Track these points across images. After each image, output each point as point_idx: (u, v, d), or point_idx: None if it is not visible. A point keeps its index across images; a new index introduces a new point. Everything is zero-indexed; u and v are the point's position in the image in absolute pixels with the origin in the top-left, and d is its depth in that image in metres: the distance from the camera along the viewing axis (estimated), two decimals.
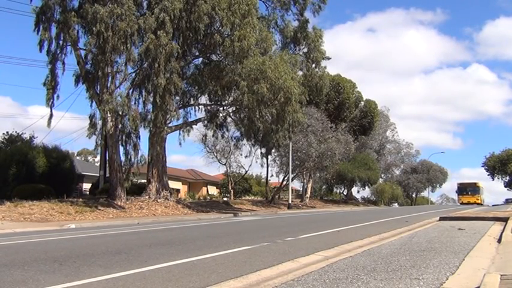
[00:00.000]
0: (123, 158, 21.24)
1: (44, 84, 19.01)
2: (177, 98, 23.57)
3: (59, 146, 26.15)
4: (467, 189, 56.49)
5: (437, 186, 72.30)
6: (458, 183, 61.19)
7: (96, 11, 17.28)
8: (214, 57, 23.56)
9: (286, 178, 36.04)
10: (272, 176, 39.75)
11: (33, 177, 21.39)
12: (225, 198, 37.77)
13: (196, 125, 26.95)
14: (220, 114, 26.30)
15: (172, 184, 34.84)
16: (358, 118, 46.70)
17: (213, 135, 28.56)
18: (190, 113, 25.88)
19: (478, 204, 52.01)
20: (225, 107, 26.02)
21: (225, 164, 41.53)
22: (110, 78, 19.55)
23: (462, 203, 54.59)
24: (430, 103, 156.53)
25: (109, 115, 19.26)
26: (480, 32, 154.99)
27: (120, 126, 20.41)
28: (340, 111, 42.73)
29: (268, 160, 37.63)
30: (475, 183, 58.12)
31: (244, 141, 28.47)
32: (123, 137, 21.20)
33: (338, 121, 41.08)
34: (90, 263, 5.99)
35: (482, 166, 67.53)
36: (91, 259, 6.31)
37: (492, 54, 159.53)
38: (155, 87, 18.33)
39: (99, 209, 18.04)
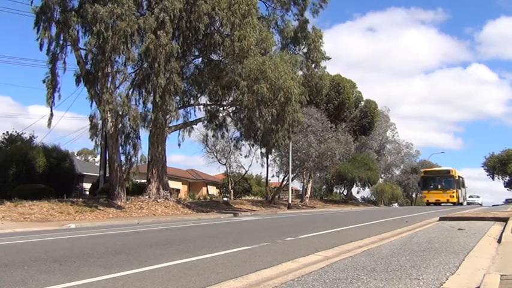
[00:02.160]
0: (123, 158, 21.29)
1: (44, 82, 19.03)
2: (177, 98, 23.59)
3: (58, 145, 26.24)
4: (436, 181, 39.03)
5: None
6: (423, 170, 43.85)
7: (96, 10, 17.28)
8: (214, 57, 23.56)
9: (286, 178, 36.01)
10: (272, 176, 39.78)
11: (33, 177, 21.39)
12: (225, 198, 37.75)
13: (196, 125, 27.01)
14: (220, 114, 26.33)
15: (172, 184, 34.86)
16: (358, 118, 46.67)
17: (213, 136, 28.60)
18: (190, 113, 25.93)
19: (453, 203, 36.98)
20: (225, 107, 26.04)
21: (225, 164, 41.54)
22: (110, 78, 19.55)
23: (429, 203, 38.04)
24: (430, 103, 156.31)
25: (109, 115, 19.27)
26: (481, 31, 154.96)
27: (120, 126, 20.45)
28: (340, 111, 42.72)
29: (268, 160, 37.60)
30: (447, 171, 39.71)
31: (244, 141, 28.49)
32: (123, 137, 21.25)
33: (338, 121, 41.05)
34: (90, 263, 5.99)
35: (482, 166, 67.35)
36: (91, 259, 6.31)
37: (493, 54, 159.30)
38: (155, 87, 18.34)
39: (99, 209, 18.05)
